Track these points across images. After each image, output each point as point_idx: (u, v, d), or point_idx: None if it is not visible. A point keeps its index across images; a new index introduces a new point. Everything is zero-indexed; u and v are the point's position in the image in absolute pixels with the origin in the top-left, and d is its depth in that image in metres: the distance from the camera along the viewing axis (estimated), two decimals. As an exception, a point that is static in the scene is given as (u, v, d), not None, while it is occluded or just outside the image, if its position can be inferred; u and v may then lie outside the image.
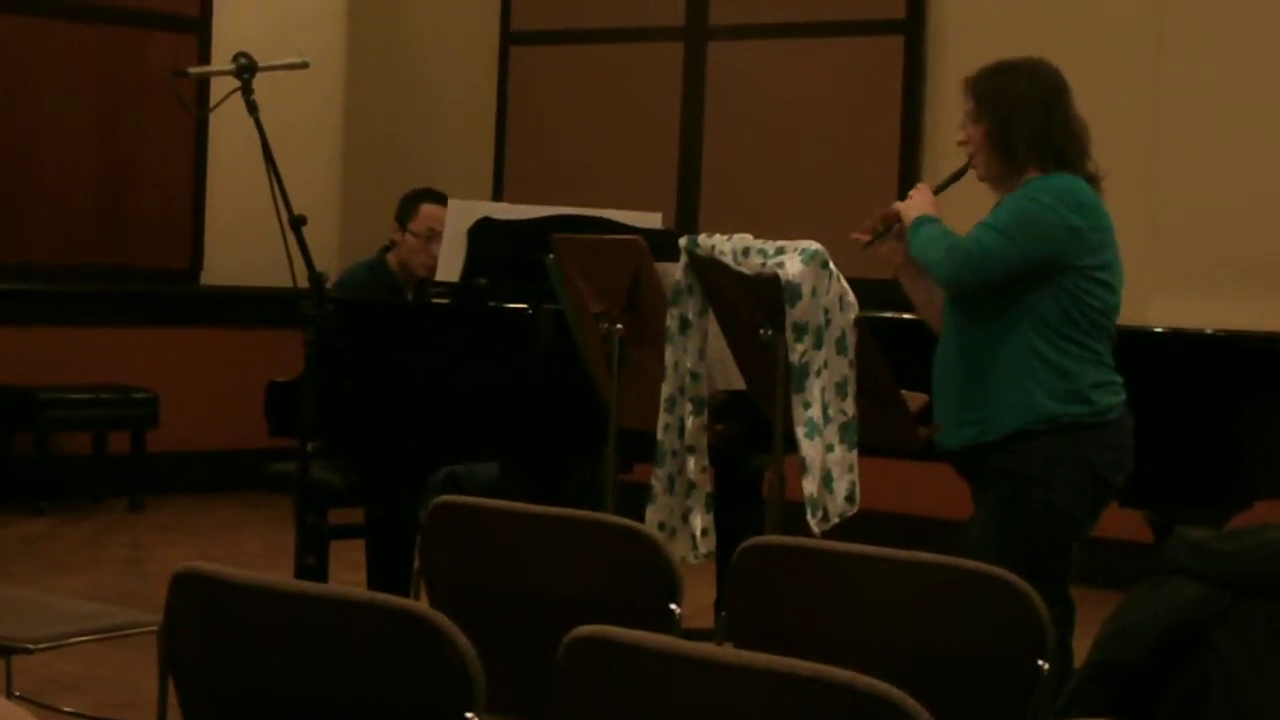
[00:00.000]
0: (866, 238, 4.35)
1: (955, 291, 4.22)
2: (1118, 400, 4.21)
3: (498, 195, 9.46)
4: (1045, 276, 4.13)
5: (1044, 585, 3.20)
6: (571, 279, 4.68)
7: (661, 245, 4.63)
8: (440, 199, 6.07)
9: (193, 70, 5.23)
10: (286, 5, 9.81)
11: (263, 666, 2.67)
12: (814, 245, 4.04)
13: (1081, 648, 2.86)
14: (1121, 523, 5.54)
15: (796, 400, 4.03)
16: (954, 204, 4.54)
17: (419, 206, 6.03)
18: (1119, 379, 4.24)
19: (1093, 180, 4.25)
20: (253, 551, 7.91)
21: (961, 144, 4.32)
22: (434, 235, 5.92)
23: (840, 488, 4.03)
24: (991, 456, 4.20)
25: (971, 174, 4.34)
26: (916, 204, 4.31)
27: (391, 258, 6.06)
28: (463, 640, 2.43)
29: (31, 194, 9.06)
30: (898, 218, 4.32)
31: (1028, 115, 4.19)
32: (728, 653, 2.37)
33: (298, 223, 4.49)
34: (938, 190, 4.38)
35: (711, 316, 4.33)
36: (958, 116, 4.36)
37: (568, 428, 5.23)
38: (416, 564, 3.61)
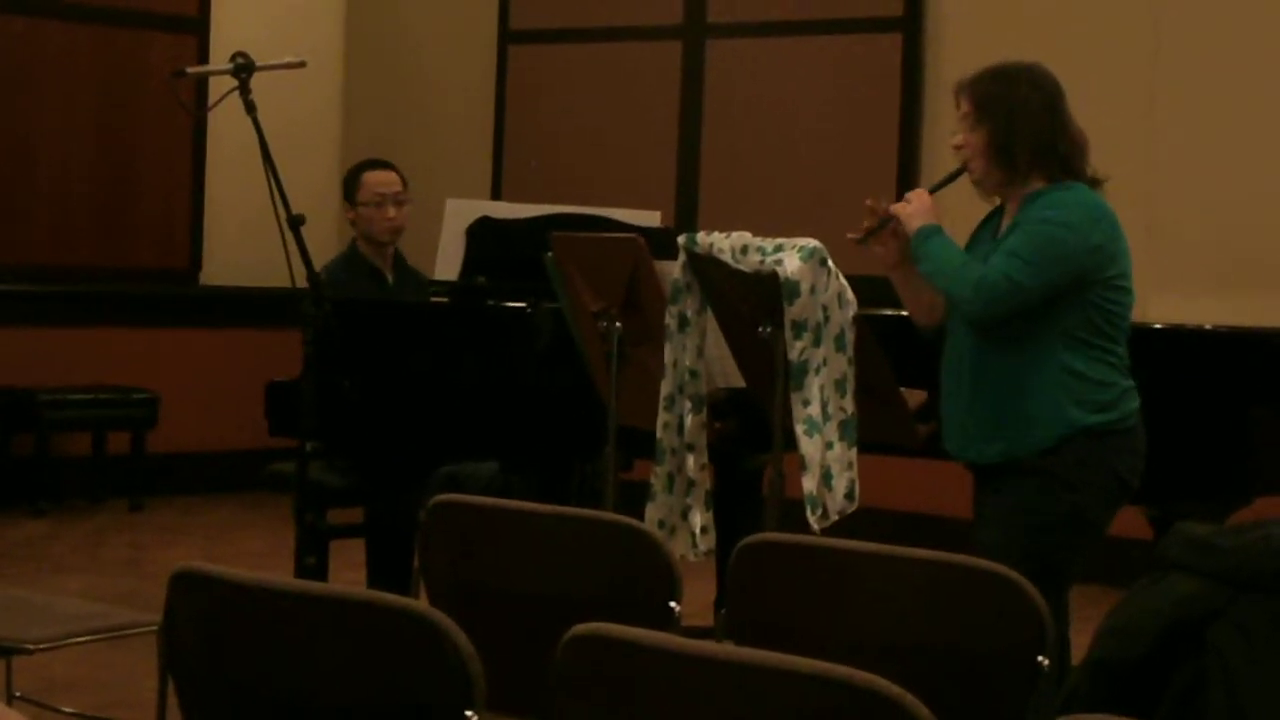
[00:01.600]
0: (860, 235, 4.31)
1: (986, 324, 4.17)
2: (1137, 406, 4.20)
3: (496, 194, 9.46)
4: (1071, 293, 4.08)
5: (1047, 582, 3.20)
6: (570, 277, 4.68)
7: (660, 243, 4.63)
8: (379, 165, 6.10)
9: (191, 70, 5.23)
10: (284, 5, 9.82)
11: (263, 666, 2.67)
12: (812, 243, 4.04)
13: (1080, 644, 2.87)
14: (1121, 519, 5.53)
15: (795, 398, 4.03)
16: (954, 205, 4.53)
17: (359, 178, 6.04)
18: (1134, 383, 4.22)
19: (1096, 184, 4.23)
20: (253, 551, 7.91)
21: (957, 149, 4.27)
22: (383, 199, 5.95)
23: (840, 485, 4.03)
24: (1020, 464, 4.17)
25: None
26: (917, 210, 4.21)
27: (359, 242, 6.05)
28: (462, 639, 2.44)
29: (30, 194, 9.07)
30: (893, 219, 4.26)
31: (1031, 122, 4.13)
32: (727, 650, 2.37)
33: (296, 222, 4.50)
34: (933, 190, 4.33)
35: (710, 314, 4.33)
36: (956, 115, 4.32)
37: (567, 426, 5.23)
38: (416, 563, 3.61)
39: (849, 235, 4.29)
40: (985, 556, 3.25)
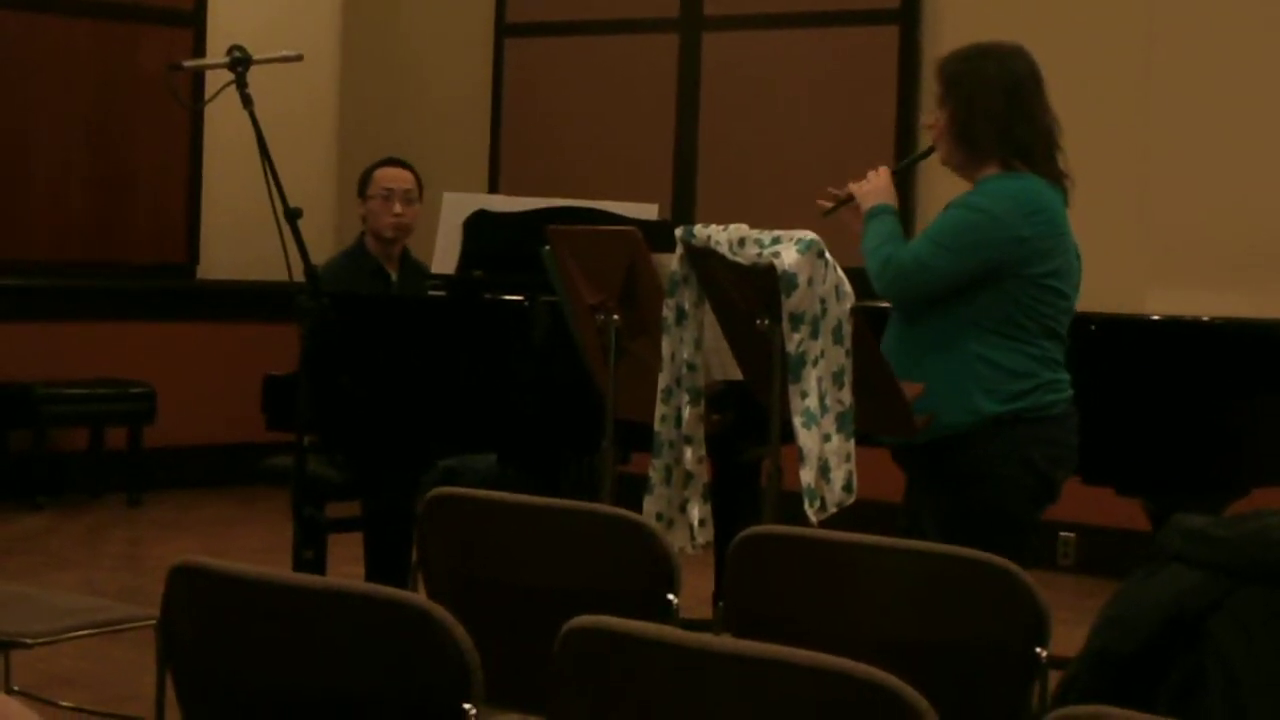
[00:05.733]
0: (829, 205, 4.36)
1: (898, 304, 4.20)
2: (1060, 397, 4.16)
3: (493, 187, 9.46)
4: (989, 283, 4.09)
5: None
6: (567, 270, 4.67)
7: (657, 236, 4.63)
8: (393, 162, 6.16)
9: (187, 63, 5.24)
10: (281, -2, 9.81)
11: (261, 660, 2.67)
12: (810, 235, 4.04)
13: (1078, 636, 2.87)
14: (1118, 510, 5.53)
15: (793, 390, 4.02)
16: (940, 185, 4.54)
17: (372, 173, 6.12)
18: (1065, 377, 4.18)
19: (1059, 179, 4.20)
20: (250, 545, 7.91)
21: (928, 128, 4.30)
22: (391, 194, 6.00)
23: (837, 477, 4.02)
24: (932, 455, 4.18)
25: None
26: (873, 189, 4.28)
27: (368, 238, 6.08)
28: (460, 631, 2.44)
29: (27, 189, 9.06)
30: (854, 198, 4.32)
31: (990, 103, 4.14)
32: (726, 643, 2.37)
33: (293, 216, 4.49)
34: (897, 172, 4.37)
35: (708, 307, 4.33)
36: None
37: (564, 419, 5.23)
38: (414, 556, 3.61)
39: (818, 201, 4.35)
40: None
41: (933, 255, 4.10)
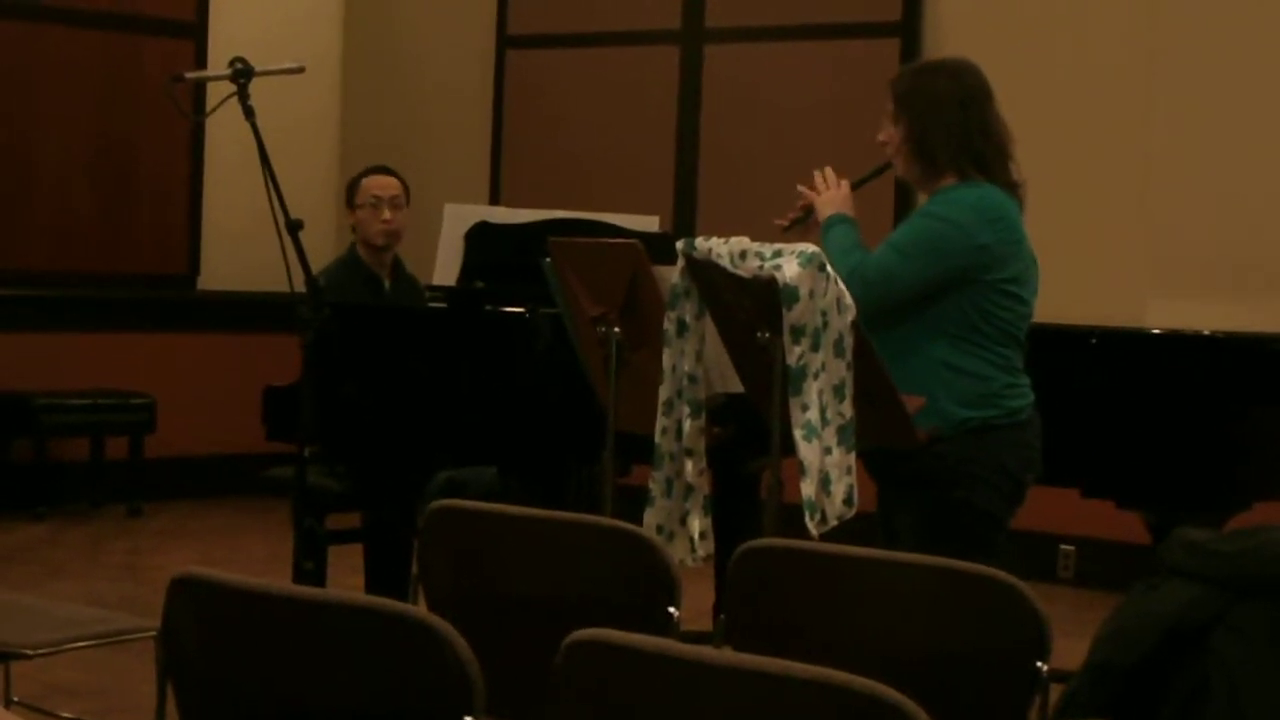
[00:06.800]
0: (785, 223, 4.39)
1: (865, 314, 4.21)
2: (1025, 403, 4.22)
3: (495, 199, 9.46)
4: (951, 290, 4.14)
5: None
6: (569, 282, 4.67)
7: (659, 248, 4.63)
8: (378, 170, 6.18)
9: (189, 75, 5.23)
10: (282, 10, 9.82)
11: (261, 671, 2.67)
12: (811, 248, 4.04)
13: (1078, 649, 2.87)
14: (1118, 524, 5.53)
15: (794, 403, 4.02)
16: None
17: (360, 182, 6.14)
18: (1026, 381, 4.23)
19: (1013, 188, 4.24)
20: (251, 556, 7.91)
21: (881, 144, 4.34)
22: (379, 201, 6.02)
23: (838, 490, 4.02)
24: (904, 463, 4.19)
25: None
26: (830, 200, 4.33)
27: (359, 247, 6.10)
28: (461, 644, 2.43)
29: (29, 200, 9.07)
30: (813, 209, 4.35)
31: (944, 116, 4.20)
32: (726, 656, 2.37)
33: (295, 227, 4.49)
34: (856, 185, 4.41)
35: (709, 319, 4.33)
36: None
37: (565, 431, 5.23)
38: (415, 568, 3.61)
39: (776, 221, 4.38)
40: None
41: (898, 264, 4.15)
